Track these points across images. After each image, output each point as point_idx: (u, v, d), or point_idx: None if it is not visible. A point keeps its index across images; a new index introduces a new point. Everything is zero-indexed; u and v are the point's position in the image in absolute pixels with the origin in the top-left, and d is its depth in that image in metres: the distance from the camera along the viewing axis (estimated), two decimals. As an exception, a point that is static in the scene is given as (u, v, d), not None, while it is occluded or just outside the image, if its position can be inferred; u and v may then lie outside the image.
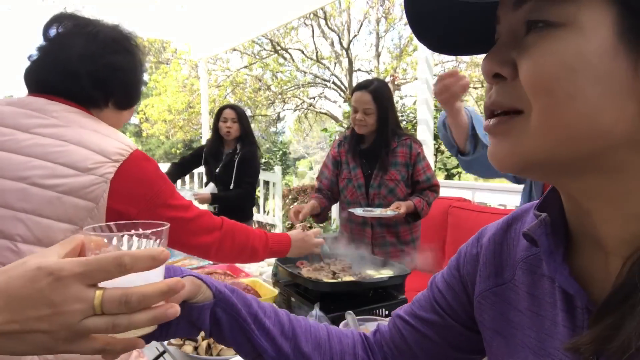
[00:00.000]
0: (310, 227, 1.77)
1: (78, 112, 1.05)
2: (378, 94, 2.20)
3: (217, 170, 3.10)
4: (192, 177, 8.29)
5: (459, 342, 0.65)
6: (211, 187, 3.08)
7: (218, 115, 3.13)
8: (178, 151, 15.30)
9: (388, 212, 2.10)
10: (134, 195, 1.04)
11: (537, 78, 0.38)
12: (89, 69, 1.06)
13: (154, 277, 0.50)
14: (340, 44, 11.93)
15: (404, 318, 0.70)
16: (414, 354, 0.68)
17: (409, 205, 2.16)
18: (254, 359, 0.65)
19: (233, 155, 3.09)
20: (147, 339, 0.56)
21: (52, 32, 1.09)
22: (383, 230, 2.27)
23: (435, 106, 8.27)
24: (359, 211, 2.15)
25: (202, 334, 0.63)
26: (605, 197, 0.41)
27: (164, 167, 3.46)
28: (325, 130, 10.48)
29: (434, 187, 2.29)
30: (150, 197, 1.06)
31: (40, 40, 1.10)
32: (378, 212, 2.12)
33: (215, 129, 3.13)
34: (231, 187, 3.04)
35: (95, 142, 1.00)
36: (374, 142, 2.25)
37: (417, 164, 2.25)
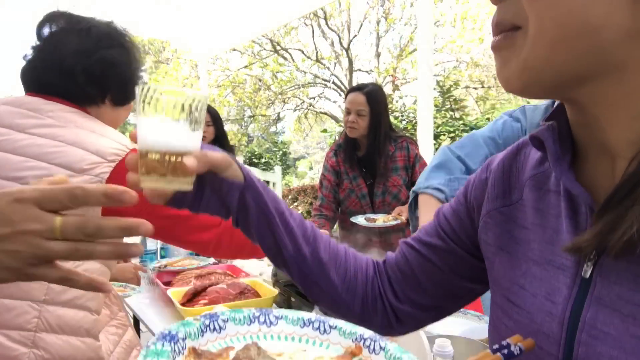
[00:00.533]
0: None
1: (75, 112, 1.05)
2: (373, 97, 2.17)
3: None
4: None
5: (461, 268, 0.66)
6: None
7: None
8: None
9: (390, 221, 2.07)
10: None
11: None
12: (83, 64, 1.06)
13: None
14: (340, 43, 11.92)
15: (409, 244, 0.71)
16: (418, 279, 0.69)
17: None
18: (273, 255, 0.66)
19: None
20: (179, 205, 0.61)
21: (46, 31, 1.08)
22: (390, 236, 2.25)
23: (436, 106, 8.28)
24: (361, 221, 2.11)
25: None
26: (611, 99, 0.41)
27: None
28: (325, 131, 10.49)
29: None
30: None
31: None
32: (381, 222, 2.09)
33: None
34: None
35: (91, 143, 0.99)
36: (369, 148, 2.22)
37: (415, 166, 2.24)
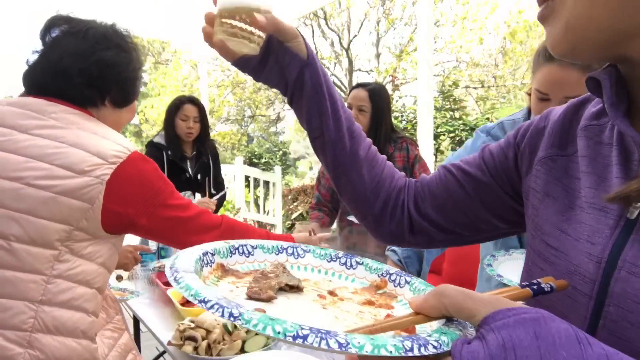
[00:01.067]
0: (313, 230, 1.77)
1: (77, 114, 1.06)
2: (375, 94, 2.17)
3: (199, 177, 2.72)
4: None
5: (492, 202, 0.68)
6: (197, 198, 2.65)
7: (175, 111, 2.60)
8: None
9: None
10: (132, 196, 1.04)
11: None
12: (80, 66, 1.07)
13: None
14: (340, 43, 11.92)
15: (447, 167, 0.73)
16: (445, 200, 0.71)
17: None
18: (315, 136, 0.71)
19: (200, 157, 2.72)
20: (244, 67, 0.65)
21: (49, 35, 1.10)
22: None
23: (435, 107, 8.28)
24: (354, 218, 2.13)
25: (201, 333, 0.63)
26: None
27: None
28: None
29: None
30: (148, 197, 1.07)
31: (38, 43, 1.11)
32: None
33: (172, 126, 2.60)
34: (212, 191, 2.77)
35: (93, 144, 1.00)
36: (373, 143, 2.22)
37: (414, 167, 2.22)
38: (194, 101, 2.66)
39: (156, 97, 13.28)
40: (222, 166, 3.02)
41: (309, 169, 18.47)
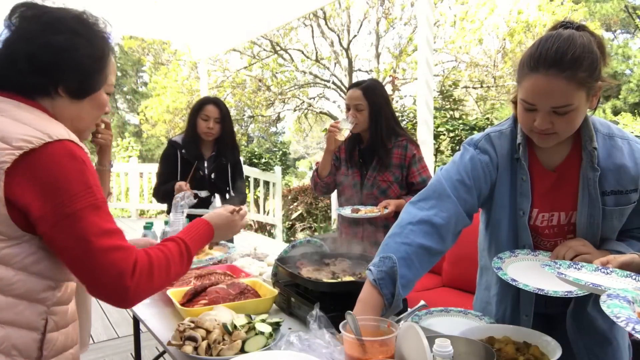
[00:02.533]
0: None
1: (11, 102, 0.97)
2: (369, 91, 2.20)
3: (213, 176, 2.74)
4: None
5: None
6: (204, 194, 2.71)
7: (198, 110, 2.66)
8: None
9: (374, 211, 2.11)
10: (39, 192, 0.88)
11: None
12: (27, 51, 0.96)
13: None
14: (340, 44, 11.92)
15: None
16: None
17: (400, 204, 2.14)
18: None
19: (220, 159, 2.75)
20: None
21: (9, 22, 1.01)
22: (375, 229, 2.25)
23: (435, 107, 8.27)
24: (345, 211, 2.16)
25: (201, 333, 0.63)
26: None
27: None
28: (325, 130, 10.49)
29: None
30: (60, 201, 0.89)
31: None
32: (363, 211, 2.13)
33: (193, 125, 2.66)
34: (226, 194, 2.81)
35: (3, 129, 0.90)
36: (372, 140, 2.24)
37: (412, 166, 2.23)
38: (217, 102, 2.70)
39: (156, 98, 13.27)
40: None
41: (309, 169, 18.46)
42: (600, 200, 1.18)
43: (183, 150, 2.70)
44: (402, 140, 2.24)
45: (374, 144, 2.23)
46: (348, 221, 2.32)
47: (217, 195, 2.73)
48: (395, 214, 2.15)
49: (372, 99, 2.20)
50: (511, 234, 1.30)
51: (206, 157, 2.76)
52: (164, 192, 2.64)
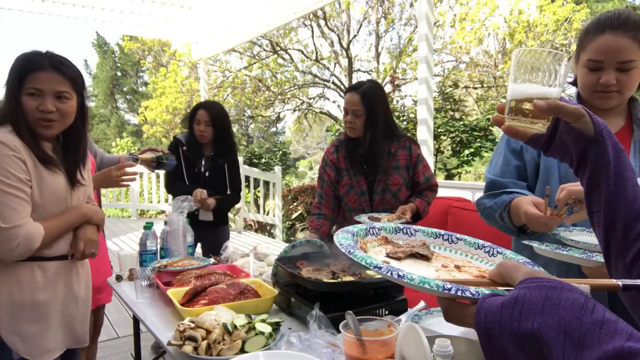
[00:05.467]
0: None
1: None
2: (367, 96, 2.14)
3: (207, 174, 2.86)
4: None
5: None
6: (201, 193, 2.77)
7: (192, 115, 2.87)
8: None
9: (394, 217, 2.01)
10: None
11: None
12: None
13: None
14: (340, 44, 11.93)
15: None
16: None
17: (412, 208, 2.13)
18: (593, 211, 0.71)
19: (217, 159, 2.88)
20: (534, 144, 0.73)
21: None
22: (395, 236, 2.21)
23: (435, 108, 8.27)
24: (365, 220, 2.04)
25: (201, 333, 0.64)
26: None
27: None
28: (328, 130, 10.47)
29: (433, 187, 2.27)
30: None
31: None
32: (385, 219, 2.02)
33: (191, 128, 2.86)
34: (223, 192, 2.89)
35: None
36: (371, 145, 2.19)
37: (417, 166, 2.22)
38: (207, 107, 2.86)
39: (156, 99, 13.27)
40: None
41: (309, 169, 18.46)
42: None
43: (184, 148, 2.87)
44: (405, 141, 2.23)
45: (372, 149, 2.19)
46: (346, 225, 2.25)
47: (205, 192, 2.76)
48: (412, 216, 2.13)
49: (370, 105, 2.14)
50: None
51: (204, 156, 2.89)
52: (179, 191, 2.67)
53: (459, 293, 0.55)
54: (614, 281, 0.58)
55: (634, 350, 0.40)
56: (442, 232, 0.86)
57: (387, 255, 0.76)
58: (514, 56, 0.69)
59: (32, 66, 1.40)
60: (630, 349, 0.40)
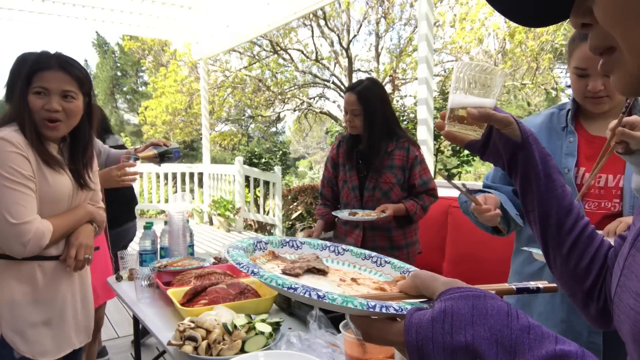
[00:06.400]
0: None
1: None
2: (364, 95, 2.17)
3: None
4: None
5: None
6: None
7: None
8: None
9: (372, 214, 2.06)
10: None
11: (606, 14, 0.42)
12: None
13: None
14: (340, 44, 11.93)
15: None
16: None
17: (399, 208, 2.12)
18: (527, 210, 0.77)
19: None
20: (471, 148, 0.80)
21: None
22: (375, 233, 2.22)
23: (435, 108, 8.28)
24: (342, 214, 2.12)
25: (201, 333, 0.65)
26: None
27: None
28: (328, 131, 10.48)
29: (431, 191, 2.24)
30: None
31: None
32: (360, 214, 2.09)
33: None
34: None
35: None
36: (368, 143, 2.22)
37: (414, 168, 2.21)
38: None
39: (156, 99, 13.27)
40: (222, 166, 3.01)
41: (309, 169, 18.46)
42: None
43: None
44: (404, 141, 2.22)
45: (370, 146, 2.21)
46: (343, 223, 2.29)
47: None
48: (394, 218, 2.15)
49: (367, 103, 2.16)
50: None
51: None
52: None
53: (383, 310, 0.51)
54: (508, 285, 0.63)
55: (565, 352, 0.41)
56: (328, 243, 0.85)
57: (284, 272, 0.71)
58: (455, 70, 0.77)
59: (40, 65, 1.42)
60: (562, 352, 0.41)
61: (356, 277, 0.76)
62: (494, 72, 0.74)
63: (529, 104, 13.70)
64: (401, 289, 0.57)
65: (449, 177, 1.42)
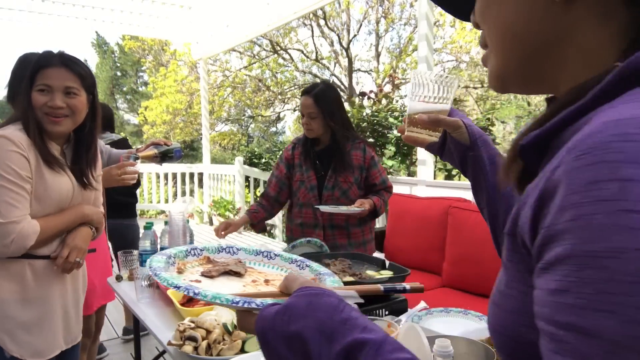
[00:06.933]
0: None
1: None
2: (320, 98, 2.21)
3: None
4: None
5: None
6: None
7: None
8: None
9: (354, 208, 2.13)
10: None
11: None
12: None
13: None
14: (340, 44, 11.93)
15: None
16: None
17: (370, 203, 2.19)
18: (481, 207, 0.85)
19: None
20: (431, 150, 0.88)
21: None
22: (334, 231, 2.27)
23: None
24: (325, 208, 2.16)
25: (201, 333, 0.66)
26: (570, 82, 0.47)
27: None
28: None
29: (389, 188, 2.35)
30: None
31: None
32: (344, 208, 2.14)
33: None
34: None
35: None
36: (329, 144, 2.27)
37: (372, 168, 2.28)
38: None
39: (156, 99, 13.27)
40: (222, 166, 3.02)
41: (309, 169, 18.46)
42: None
43: None
44: (359, 142, 2.29)
45: (330, 147, 2.26)
46: (302, 225, 2.32)
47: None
48: (369, 212, 2.22)
49: (323, 106, 2.21)
50: None
51: None
52: None
53: (246, 305, 0.63)
54: (376, 286, 0.73)
55: (363, 339, 0.48)
56: (262, 250, 0.97)
57: (202, 275, 0.84)
58: (412, 78, 0.83)
59: (42, 63, 1.43)
60: (362, 339, 0.48)
61: (271, 279, 0.87)
62: (448, 79, 0.81)
63: (529, 104, 13.70)
64: (280, 289, 0.67)
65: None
